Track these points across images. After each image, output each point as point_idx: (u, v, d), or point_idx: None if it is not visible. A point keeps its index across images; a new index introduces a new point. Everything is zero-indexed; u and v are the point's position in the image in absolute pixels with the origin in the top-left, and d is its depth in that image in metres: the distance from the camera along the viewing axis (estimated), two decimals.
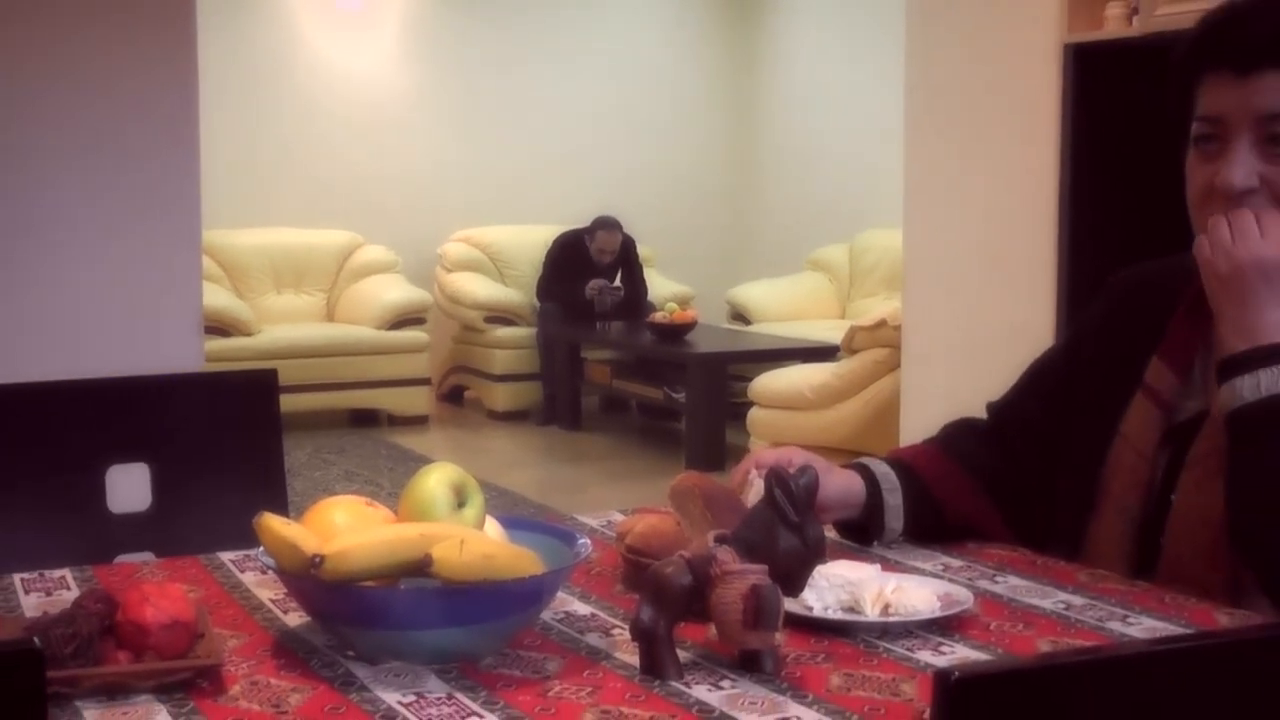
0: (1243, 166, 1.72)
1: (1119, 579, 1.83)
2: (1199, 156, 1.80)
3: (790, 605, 1.59)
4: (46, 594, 1.80)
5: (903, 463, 2.03)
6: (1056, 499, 1.98)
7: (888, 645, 1.61)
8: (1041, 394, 2.07)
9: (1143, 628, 1.67)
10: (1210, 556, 1.75)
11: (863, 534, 2.01)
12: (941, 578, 1.84)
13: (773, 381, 6.43)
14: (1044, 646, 1.62)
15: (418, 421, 8.71)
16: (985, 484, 2.04)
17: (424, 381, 8.85)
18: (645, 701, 1.43)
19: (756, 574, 1.50)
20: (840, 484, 1.95)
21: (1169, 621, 1.69)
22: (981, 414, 2.15)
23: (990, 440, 2.08)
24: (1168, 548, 1.83)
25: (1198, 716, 1.05)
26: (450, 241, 9.48)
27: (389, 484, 6.82)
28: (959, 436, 2.11)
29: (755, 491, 1.76)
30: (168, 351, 3.66)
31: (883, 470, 2.00)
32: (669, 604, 1.51)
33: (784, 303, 9.16)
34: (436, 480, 1.66)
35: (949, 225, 4.92)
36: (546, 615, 1.68)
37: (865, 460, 2.03)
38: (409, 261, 9.32)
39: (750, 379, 6.80)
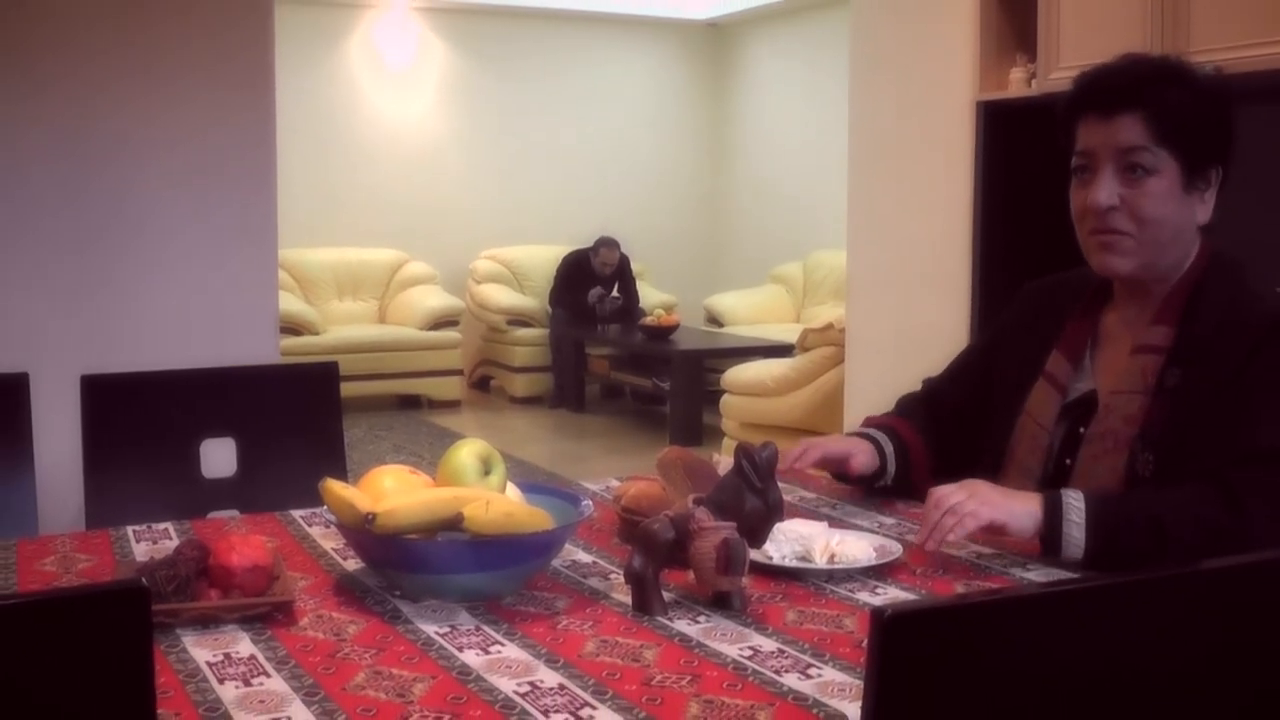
0: (1106, 189, 1.76)
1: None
2: (1077, 184, 1.82)
3: (754, 555, 1.59)
4: (153, 542, 1.81)
5: (895, 432, 2.06)
6: (974, 465, 1.97)
7: (833, 588, 1.61)
8: (965, 382, 2.10)
9: (1038, 573, 1.68)
10: None
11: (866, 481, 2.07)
12: (877, 533, 1.84)
13: (741, 373, 6.42)
14: (960, 588, 1.62)
15: (452, 405, 8.70)
16: (936, 452, 2.06)
17: (457, 372, 8.83)
18: (636, 633, 1.43)
19: (727, 529, 1.51)
20: (867, 460, 2.01)
21: (1059, 568, 1.69)
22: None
23: (927, 413, 2.11)
24: None
25: (1084, 645, 1.05)
26: (479, 258, 9.46)
27: (429, 455, 6.81)
28: (919, 413, 2.12)
29: (726, 463, 1.76)
30: (250, 347, 3.65)
31: (883, 439, 2.04)
32: (656, 554, 1.51)
33: (750, 309, 9.15)
34: (467, 452, 1.66)
35: (884, 247, 4.92)
36: (556, 562, 1.68)
37: (873, 434, 2.06)
38: (446, 275, 9.31)
39: (723, 371, 6.79)
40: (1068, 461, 1.84)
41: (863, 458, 2.00)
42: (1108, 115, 1.76)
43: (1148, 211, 1.76)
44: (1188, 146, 1.75)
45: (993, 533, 1.72)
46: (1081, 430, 1.83)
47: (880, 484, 2.05)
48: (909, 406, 2.14)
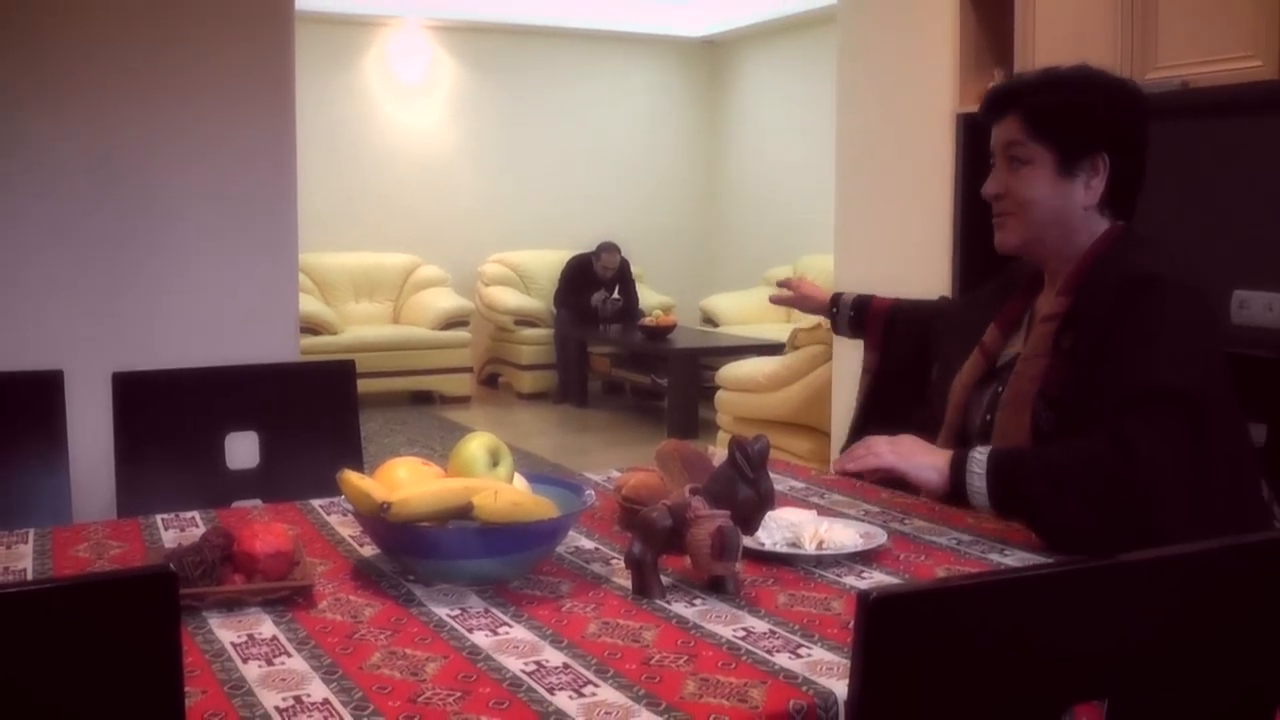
0: (994, 180, 1.97)
1: (996, 521, 1.83)
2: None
3: (747, 542, 1.59)
4: (180, 530, 1.81)
5: (865, 306, 2.47)
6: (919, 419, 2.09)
7: (821, 572, 1.61)
8: (935, 313, 2.38)
9: (1016, 558, 1.68)
10: None
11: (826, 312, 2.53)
12: (863, 520, 1.84)
13: (734, 370, 6.42)
14: (940, 572, 1.62)
15: (462, 400, 8.69)
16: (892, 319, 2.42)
17: (467, 370, 8.83)
18: (636, 615, 1.43)
19: (721, 517, 1.51)
20: (819, 296, 2.51)
21: (1035, 553, 1.70)
22: None
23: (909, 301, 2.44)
24: None
25: (1059, 627, 1.06)
26: (488, 262, 9.46)
27: (440, 448, 6.81)
28: (911, 331, 2.38)
29: (720, 455, 1.76)
30: (272, 346, 3.65)
31: (848, 298, 2.49)
32: (654, 540, 1.51)
33: (743, 310, 9.15)
34: (477, 445, 1.66)
35: (869, 251, 4.92)
36: (560, 549, 1.69)
37: (841, 292, 2.52)
38: (456, 277, 9.30)
39: (717, 369, 6.79)
40: (988, 418, 1.95)
41: (801, 292, 2.52)
42: (998, 119, 1.97)
43: (1023, 194, 1.93)
44: (1060, 138, 1.90)
45: (900, 479, 1.85)
46: (999, 391, 1.94)
47: (833, 313, 2.50)
48: (907, 311, 2.45)
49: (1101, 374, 1.77)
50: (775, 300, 2.60)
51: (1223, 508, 1.75)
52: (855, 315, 2.47)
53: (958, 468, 1.77)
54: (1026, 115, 1.92)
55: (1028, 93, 1.94)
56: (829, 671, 1.25)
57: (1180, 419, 1.69)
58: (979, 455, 1.77)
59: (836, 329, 2.52)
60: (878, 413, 2.26)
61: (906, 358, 2.34)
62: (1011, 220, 1.96)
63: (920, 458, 1.81)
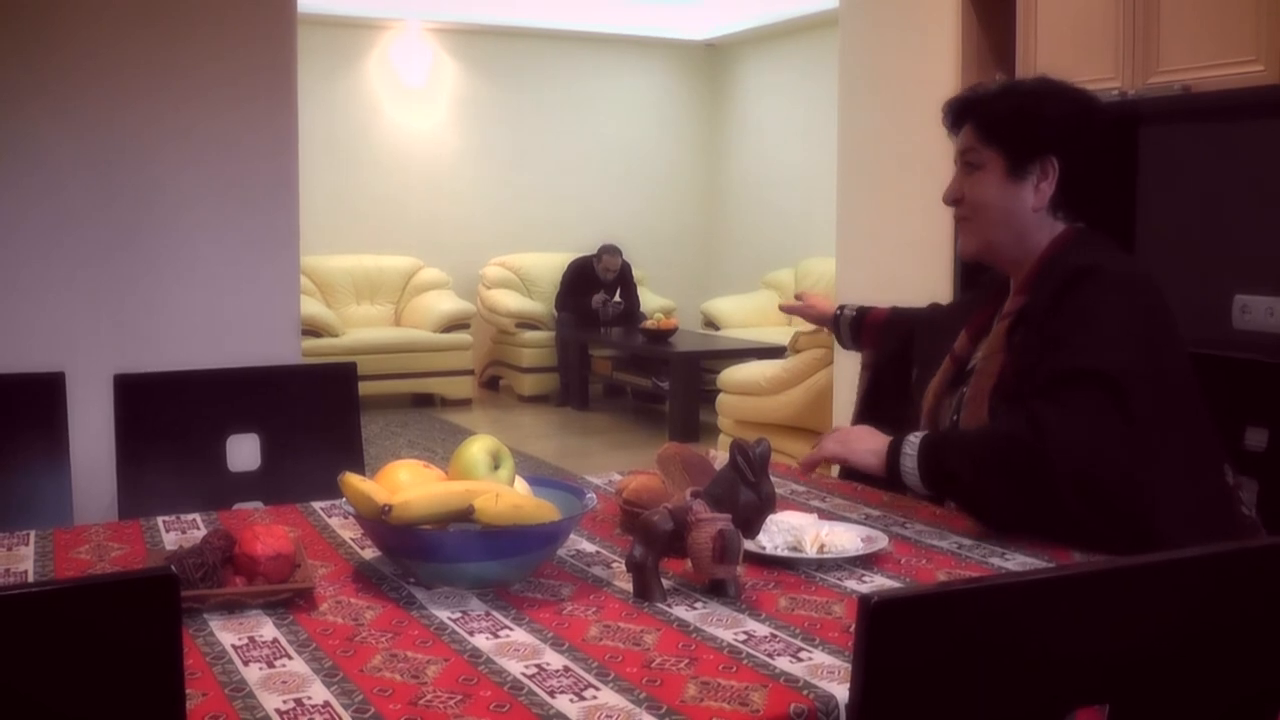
0: (951, 186, 2.04)
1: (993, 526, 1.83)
2: None
3: (748, 545, 1.59)
4: (181, 532, 1.81)
5: (863, 316, 2.51)
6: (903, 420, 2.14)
7: (823, 576, 1.61)
8: (923, 318, 2.41)
9: (1016, 562, 1.68)
10: None
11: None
12: (864, 524, 1.84)
13: (735, 374, 6.42)
14: (941, 576, 1.62)
15: (463, 403, 8.70)
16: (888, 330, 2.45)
17: (469, 372, 8.84)
18: (637, 618, 1.43)
19: (723, 521, 1.51)
20: (826, 308, 2.59)
21: (1035, 558, 1.70)
22: None
23: (909, 311, 2.47)
24: None
25: (1059, 630, 1.05)
26: (489, 265, 9.47)
27: (442, 451, 6.81)
28: (899, 334, 2.40)
29: (722, 459, 1.76)
30: (273, 348, 3.65)
31: (850, 311, 2.54)
32: (656, 543, 1.51)
33: (745, 313, 9.15)
34: (478, 448, 1.66)
35: (870, 255, 4.92)
36: (561, 552, 1.68)
37: (845, 305, 2.58)
38: (458, 280, 9.31)
39: (718, 372, 6.78)
40: (954, 419, 2.00)
41: (809, 302, 2.64)
42: (957, 128, 2.04)
43: (975, 198, 2.00)
44: (1008, 142, 1.96)
45: (845, 465, 1.97)
46: (963, 391, 1.99)
47: (837, 317, 2.55)
48: (904, 326, 2.45)
49: (1035, 362, 1.82)
50: (785, 308, 2.73)
51: (1172, 490, 1.75)
52: (856, 318, 2.52)
53: (893, 451, 1.85)
54: (979, 121, 1.99)
55: (984, 101, 2.01)
56: (830, 675, 1.25)
57: (1097, 399, 1.72)
58: (913, 439, 1.85)
59: (839, 338, 2.57)
60: (874, 409, 2.29)
61: (898, 357, 2.38)
62: (968, 226, 2.02)
63: (861, 444, 1.90)
